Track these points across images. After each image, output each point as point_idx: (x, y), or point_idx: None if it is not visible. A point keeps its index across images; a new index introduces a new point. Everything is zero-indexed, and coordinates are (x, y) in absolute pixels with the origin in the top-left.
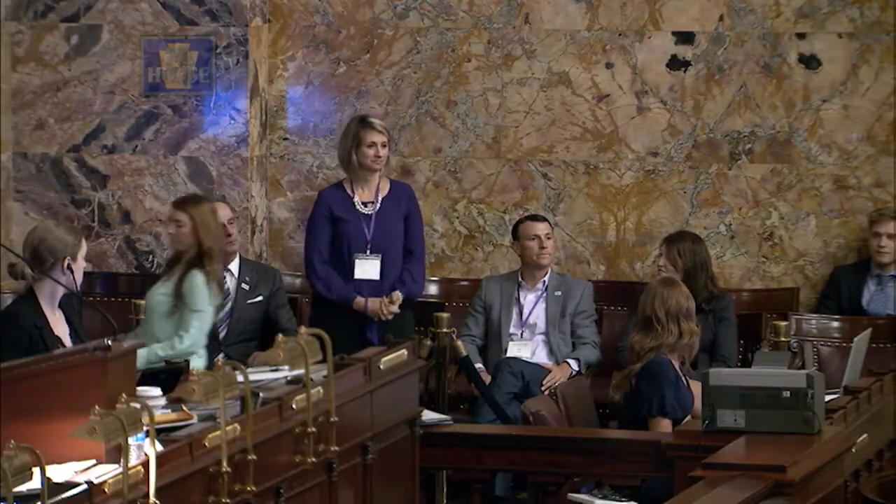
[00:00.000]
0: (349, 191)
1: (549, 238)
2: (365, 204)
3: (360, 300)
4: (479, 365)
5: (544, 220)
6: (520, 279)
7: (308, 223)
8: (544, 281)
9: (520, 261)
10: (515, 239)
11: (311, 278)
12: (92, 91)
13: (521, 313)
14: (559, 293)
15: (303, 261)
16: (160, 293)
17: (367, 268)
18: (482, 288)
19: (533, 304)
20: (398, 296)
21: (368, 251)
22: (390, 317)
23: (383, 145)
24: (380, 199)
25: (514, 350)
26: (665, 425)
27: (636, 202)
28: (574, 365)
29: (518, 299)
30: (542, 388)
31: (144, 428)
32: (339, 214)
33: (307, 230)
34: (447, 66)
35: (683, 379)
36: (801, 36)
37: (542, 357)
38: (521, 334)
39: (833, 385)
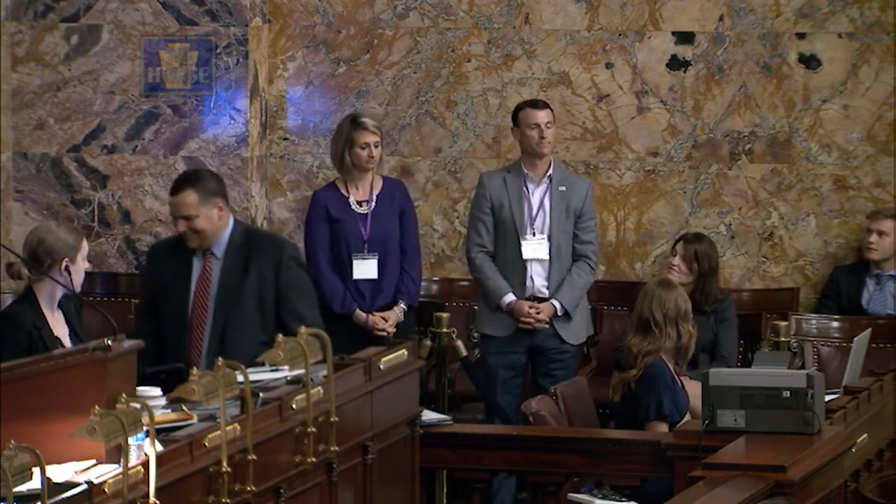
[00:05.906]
0: (343, 191)
1: (549, 127)
2: (360, 203)
3: (360, 314)
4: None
5: (546, 106)
6: (524, 170)
7: (306, 225)
8: (550, 175)
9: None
10: (515, 125)
11: (322, 286)
12: (92, 91)
13: (531, 209)
14: (563, 188)
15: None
16: None
17: (365, 268)
18: (484, 186)
19: (539, 200)
20: (397, 317)
21: (366, 250)
22: (390, 334)
23: (376, 145)
24: (374, 197)
25: (530, 251)
26: (663, 428)
27: (636, 202)
28: (559, 308)
29: (527, 192)
30: (523, 322)
31: (144, 428)
32: (335, 215)
33: (306, 232)
34: (447, 66)
35: (678, 380)
36: (801, 36)
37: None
38: (533, 233)
39: (833, 385)
